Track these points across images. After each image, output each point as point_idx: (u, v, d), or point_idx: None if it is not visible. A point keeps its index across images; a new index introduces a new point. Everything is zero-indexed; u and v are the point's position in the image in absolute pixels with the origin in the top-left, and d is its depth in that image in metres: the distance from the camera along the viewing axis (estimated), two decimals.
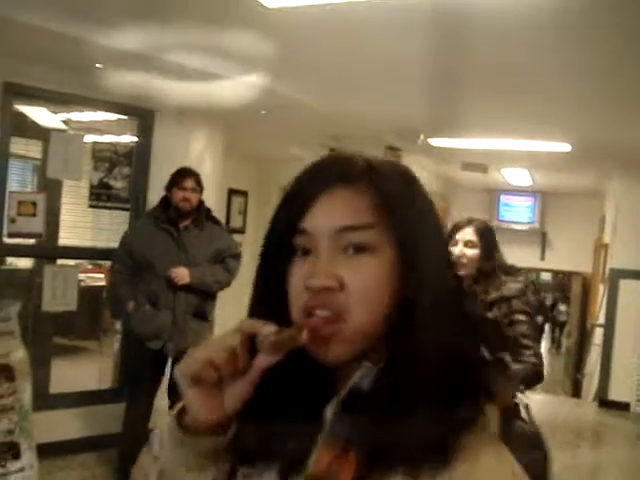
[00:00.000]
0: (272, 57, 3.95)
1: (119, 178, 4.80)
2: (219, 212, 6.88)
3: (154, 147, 4.75)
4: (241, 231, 8.69)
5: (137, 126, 4.75)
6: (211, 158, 5.45)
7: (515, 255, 11.49)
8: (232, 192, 8.34)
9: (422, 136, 6.05)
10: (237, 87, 4.55)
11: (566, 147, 6.18)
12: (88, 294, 5.15)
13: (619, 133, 5.52)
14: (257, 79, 4.44)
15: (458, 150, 7.02)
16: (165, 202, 4.08)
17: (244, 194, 8.68)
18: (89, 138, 4.70)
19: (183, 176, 4.09)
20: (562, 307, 17.76)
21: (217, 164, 5.55)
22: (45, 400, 4.18)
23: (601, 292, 7.94)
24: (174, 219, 4.05)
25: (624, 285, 7.13)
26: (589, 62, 3.55)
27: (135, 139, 4.77)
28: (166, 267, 4.00)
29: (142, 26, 3.51)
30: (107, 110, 4.71)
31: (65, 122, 4.69)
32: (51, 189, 4.42)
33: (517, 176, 8.87)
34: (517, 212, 10.58)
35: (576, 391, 9.75)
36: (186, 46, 3.84)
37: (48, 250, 4.45)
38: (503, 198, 10.63)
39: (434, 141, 6.49)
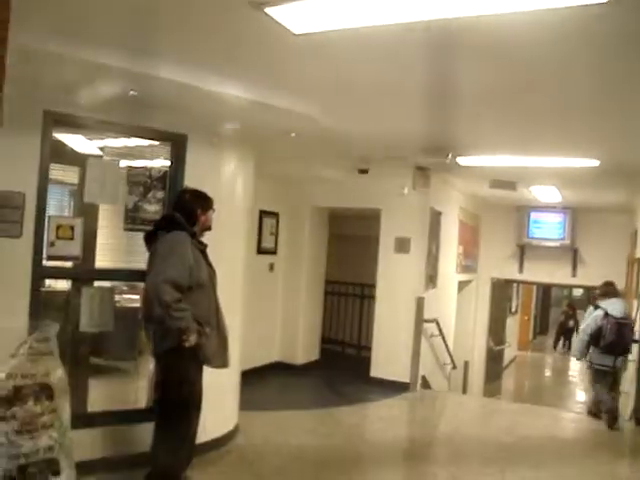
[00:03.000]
0: (302, 81, 4.05)
1: (153, 202, 4.92)
2: (251, 233, 7.00)
3: (187, 170, 4.86)
4: (273, 252, 8.79)
5: (170, 150, 4.86)
6: (242, 180, 5.56)
7: (546, 271, 11.54)
8: (263, 213, 8.45)
9: (450, 155, 6.10)
10: (267, 111, 4.66)
11: (594, 163, 6.17)
12: (123, 315, 5.25)
13: None
14: (286, 103, 4.54)
15: (486, 168, 7.05)
16: (191, 221, 4.19)
17: (275, 215, 8.79)
18: (124, 163, 4.83)
19: (212, 200, 4.33)
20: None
21: (248, 186, 5.66)
22: (83, 419, 4.28)
23: (635, 307, 7.84)
24: (198, 238, 4.19)
25: None
26: (617, 77, 3.57)
27: (168, 163, 4.88)
28: (210, 286, 4.17)
29: (176, 54, 3.64)
30: (141, 136, 4.83)
31: (101, 148, 4.83)
32: (88, 213, 4.55)
33: (546, 193, 8.85)
34: (547, 229, 10.53)
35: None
36: (217, 73, 3.96)
37: (85, 272, 4.56)
38: (533, 215, 10.59)
39: (462, 160, 6.52)
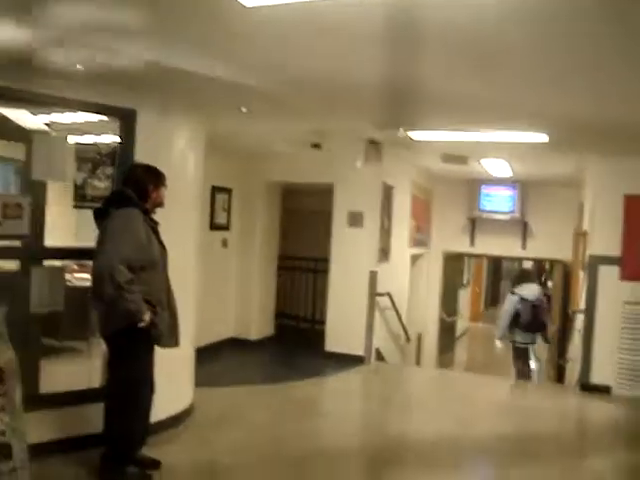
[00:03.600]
0: (252, 55, 4.00)
1: (102, 178, 4.83)
2: (203, 209, 6.94)
3: (137, 146, 4.77)
4: (226, 227, 8.74)
5: (119, 126, 4.76)
6: (194, 155, 5.49)
7: (497, 244, 11.78)
8: (216, 189, 8.38)
9: (402, 129, 6.11)
10: (216, 85, 4.60)
11: (544, 137, 6.27)
12: (75, 294, 5.17)
13: (595, 122, 5.61)
14: (237, 76, 4.48)
15: (438, 143, 7.09)
16: (142, 197, 4.11)
17: (228, 191, 8.72)
18: (72, 139, 4.72)
19: (164, 176, 4.25)
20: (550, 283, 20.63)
21: (200, 161, 5.59)
22: (35, 401, 4.22)
23: (581, 279, 8.06)
24: (150, 215, 4.15)
25: (603, 271, 7.26)
26: (566, 54, 3.61)
27: (117, 139, 4.78)
28: (162, 265, 4.12)
29: (125, 27, 3.54)
30: (89, 111, 4.72)
31: (47, 124, 4.70)
32: (36, 191, 4.43)
33: (497, 167, 8.97)
34: (498, 202, 10.70)
35: (560, 377, 9.88)
36: (166, 45, 3.87)
37: (34, 251, 4.45)
38: (484, 189, 10.73)
39: (414, 134, 6.55)
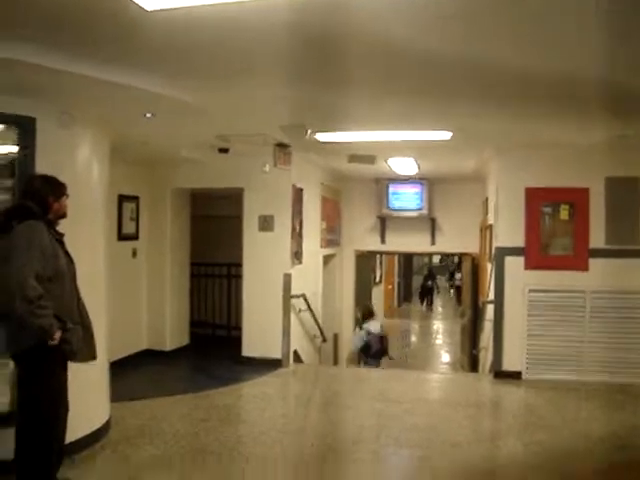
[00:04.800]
0: (156, 60, 3.92)
1: (1, 190, 4.60)
2: (110, 219, 6.75)
3: (37, 156, 4.58)
4: (134, 237, 8.53)
5: (18, 135, 4.55)
6: (98, 164, 5.33)
7: (407, 241, 12.00)
8: (122, 198, 8.17)
9: (309, 131, 6.14)
10: (121, 91, 4.48)
11: (447, 135, 6.44)
12: None
13: (495, 119, 5.82)
14: (141, 83, 4.38)
15: (345, 144, 7.17)
16: (44, 209, 3.96)
17: (135, 199, 8.52)
18: None
19: (65, 186, 4.11)
20: (458, 275, 23.31)
21: (104, 170, 5.43)
22: None
23: (489, 270, 8.34)
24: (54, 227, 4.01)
25: (509, 262, 7.54)
26: (464, 52, 3.72)
27: (16, 148, 4.57)
28: (70, 277, 3.98)
29: (22, 33, 3.40)
30: None
31: None
32: None
33: (404, 165, 9.15)
34: (406, 200, 10.92)
35: (474, 366, 10.18)
36: (68, 53, 3.74)
37: None
38: (391, 187, 10.93)
39: (321, 136, 6.60)
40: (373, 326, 10.07)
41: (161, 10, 2.91)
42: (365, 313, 10.30)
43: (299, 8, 2.95)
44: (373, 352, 9.97)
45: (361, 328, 10.11)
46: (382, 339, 10.15)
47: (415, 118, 5.87)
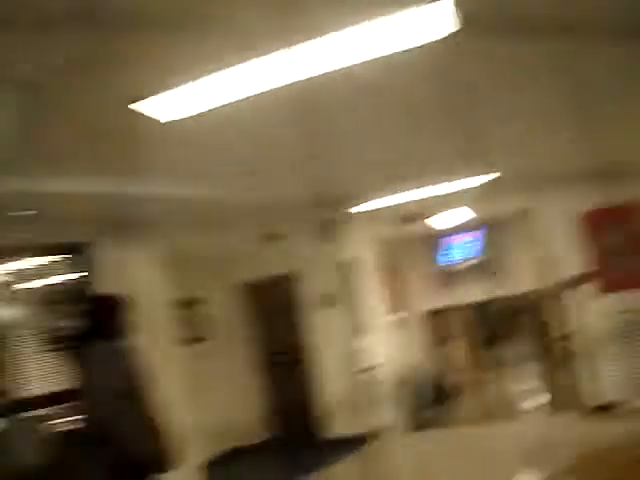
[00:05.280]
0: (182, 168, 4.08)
1: (69, 317, 4.77)
2: (174, 325, 6.82)
3: (97, 278, 4.76)
4: (200, 339, 8.60)
5: (78, 261, 4.76)
6: (157, 276, 5.46)
7: (471, 291, 11.36)
8: (184, 302, 8.29)
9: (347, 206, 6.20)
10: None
11: (493, 176, 6.30)
12: (60, 441, 4.99)
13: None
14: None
15: (394, 206, 7.11)
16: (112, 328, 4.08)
17: (196, 301, 8.63)
18: (29, 284, 4.69)
19: (124, 301, 4.19)
20: None
21: (163, 280, 5.56)
22: None
23: (562, 305, 8.06)
24: None
25: (580, 292, 7.27)
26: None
27: (77, 275, 4.77)
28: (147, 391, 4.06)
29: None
30: (44, 253, 4.71)
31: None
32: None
33: (455, 216, 9.02)
34: (463, 250, 10.75)
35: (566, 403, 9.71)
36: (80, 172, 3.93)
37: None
38: (446, 240, 10.80)
39: (366, 205, 6.62)
40: None
41: (176, 120, 3.05)
42: None
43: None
44: None
45: None
46: None
47: (457, 164, 5.81)
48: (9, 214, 4.09)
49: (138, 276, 5.25)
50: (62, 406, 4.86)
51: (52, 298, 4.70)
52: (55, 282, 4.83)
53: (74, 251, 4.76)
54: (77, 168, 3.70)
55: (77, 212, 4.43)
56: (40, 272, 4.87)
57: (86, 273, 4.76)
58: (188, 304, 8.35)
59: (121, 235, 5.02)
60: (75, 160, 3.55)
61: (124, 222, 5.04)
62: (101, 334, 4.01)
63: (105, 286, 4.64)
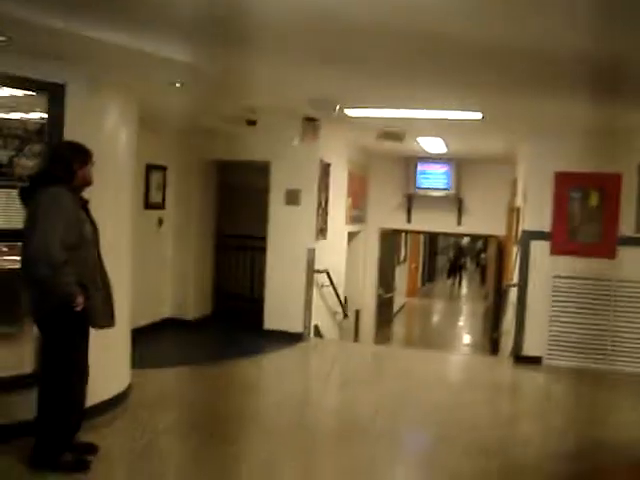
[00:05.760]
0: (185, 29, 3.91)
1: (31, 156, 4.64)
2: (138, 188, 6.79)
3: (67, 122, 4.60)
4: (160, 207, 8.58)
5: (47, 101, 4.58)
6: (126, 132, 5.34)
7: (433, 221, 11.98)
8: (150, 167, 8.20)
9: (338, 106, 6.09)
10: (149, 59, 4.48)
11: (478, 115, 6.36)
12: (4, 277, 4.99)
13: (527, 100, 5.72)
14: (171, 51, 4.37)
15: (374, 120, 7.11)
16: (69, 176, 3.98)
17: (163, 169, 8.55)
18: None
19: (91, 153, 4.10)
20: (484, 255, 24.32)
21: (132, 139, 5.45)
22: None
23: (514, 254, 8.27)
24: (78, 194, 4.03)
25: (535, 246, 7.45)
26: (493, 35, 3.66)
27: (45, 115, 4.60)
28: (94, 243, 4.01)
29: None
30: (14, 86, 4.52)
31: None
32: None
33: (432, 144, 9.07)
34: (433, 179, 10.83)
35: (494, 349, 10.16)
36: (94, 16, 3.74)
37: None
38: (420, 166, 10.85)
39: (350, 112, 6.55)
40: None
41: None
42: None
43: None
44: None
45: None
46: None
47: (446, 98, 5.79)
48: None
49: (107, 130, 5.11)
50: (8, 244, 4.81)
51: (17, 134, 4.54)
52: (23, 118, 4.65)
53: (46, 90, 4.57)
54: (74, 4, 3.50)
55: (51, 50, 4.22)
56: (9, 105, 4.68)
57: (55, 115, 4.58)
58: (153, 169, 8.26)
59: (95, 84, 4.83)
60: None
61: (107, 71, 4.84)
62: (58, 180, 3.92)
63: (72, 133, 4.51)
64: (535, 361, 7.39)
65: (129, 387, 5.55)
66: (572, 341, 7.31)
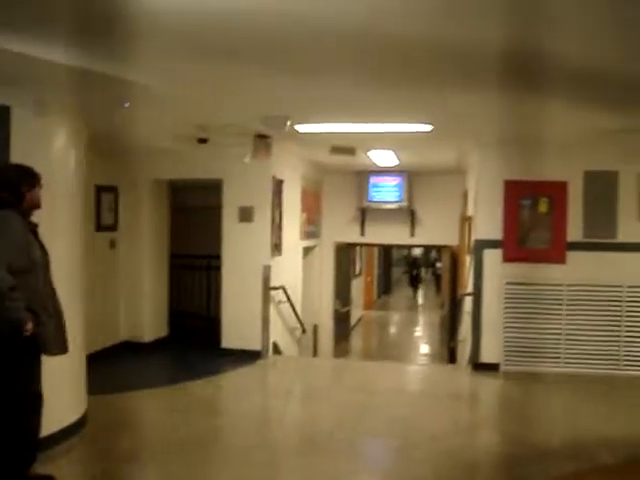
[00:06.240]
0: (134, 47, 3.87)
1: None
2: (88, 210, 6.68)
3: (13, 145, 4.50)
4: (113, 228, 8.46)
5: None
6: (75, 153, 5.26)
7: (387, 233, 12.05)
8: (100, 189, 8.08)
9: (289, 122, 6.11)
10: (94, 79, 4.42)
11: (427, 127, 6.44)
12: None
13: (475, 111, 5.82)
14: (115, 70, 4.33)
15: (326, 135, 7.14)
16: (17, 199, 3.90)
17: (113, 189, 8.44)
18: None
19: (39, 176, 4.04)
20: (439, 264, 25.07)
21: (81, 160, 5.36)
22: None
23: (468, 263, 8.38)
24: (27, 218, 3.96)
25: (487, 254, 7.57)
26: (446, 45, 3.71)
27: None
28: (44, 268, 3.93)
29: None
30: None
31: None
32: None
33: (384, 157, 9.15)
34: (386, 192, 10.93)
35: (452, 358, 10.24)
36: (36, 37, 3.68)
37: None
38: (372, 179, 10.93)
39: (301, 127, 6.57)
40: None
41: None
42: None
43: None
44: None
45: None
46: None
47: (395, 110, 5.86)
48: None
49: (55, 152, 5.02)
50: None
51: None
52: None
53: None
54: (17, 24, 3.43)
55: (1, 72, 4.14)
56: None
57: (0, 138, 4.48)
58: (104, 190, 8.14)
59: (41, 105, 4.75)
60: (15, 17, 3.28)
61: (51, 92, 4.76)
62: (6, 204, 3.84)
63: (19, 155, 4.41)
64: (493, 368, 7.48)
65: (85, 414, 5.42)
66: (527, 346, 7.42)
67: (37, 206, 4.04)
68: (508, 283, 7.46)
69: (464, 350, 8.62)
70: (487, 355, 7.58)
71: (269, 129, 6.64)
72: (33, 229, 3.96)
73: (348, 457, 4.99)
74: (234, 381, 7.36)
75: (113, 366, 7.67)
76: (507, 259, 7.52)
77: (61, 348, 4.05)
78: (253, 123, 6.37)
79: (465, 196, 9.34)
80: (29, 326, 3.71)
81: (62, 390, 4.73)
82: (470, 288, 7.86)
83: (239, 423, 5.75)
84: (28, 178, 3.98)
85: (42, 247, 3.99)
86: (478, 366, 7.60)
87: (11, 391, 3.85)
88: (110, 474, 4.52)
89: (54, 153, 5.02)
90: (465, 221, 9.18)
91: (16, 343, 3.74)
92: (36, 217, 4.06)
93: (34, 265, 3.84)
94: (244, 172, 8.01)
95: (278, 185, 8.57)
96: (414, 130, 6.55)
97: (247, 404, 6.44)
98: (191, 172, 8.47)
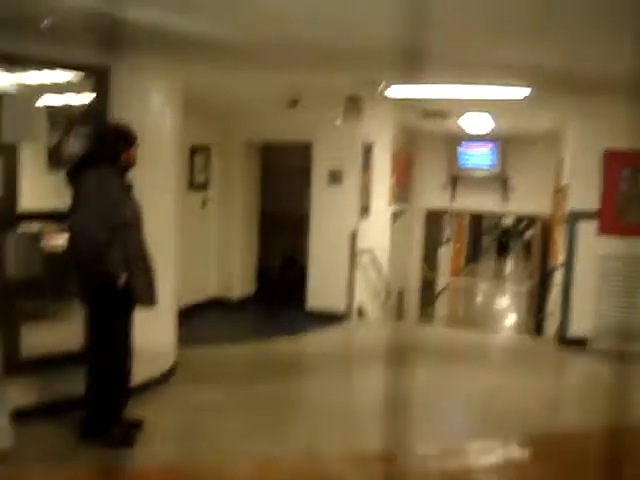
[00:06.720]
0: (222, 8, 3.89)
1: (78, 139, 4.73)
2: (181, 169, 6.86)
3: (112, 104, 4.67)
4: (205, 187, 8.65)
5: (93, 84, 4.64)
6: (171, 114, 5.39)
7: (478, 200, 11.79)
8: (194, 149, 8.26)
9: (382, 85, 6.03)
10: (189, 40, 4.49)
11: (525, 91, 6.22)
12: (53, 257, 5.11)
13: (576, 76, 5.56)
14: (209, 31, 4.38)
15: (418, 98, 7.01)
16: (114, 157, 4.05)
17: (207, 149, 8.61)
18: (43, 100, 4.60)
19: (135, 136, 4.17)
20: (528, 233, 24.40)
21: (177, 120, 5.50)
22: (16, 366, 4.21)
23: (561, 234, 8.11)
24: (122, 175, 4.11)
25: (582, 226, 7.30)
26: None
27: (91, 97, 4.66)
28: (137, 224, 4.08)
29: None
30: (60, 69, 4.59)
31: (17, 84, 4.57)
32: (7, 153, 4.32)
33: (477, 123, 8.93)
34: (478, 158, 10.69)
35: (538, 330, 10.03)
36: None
37: (8, 215, 4.37)
38: (464, 145, 10.71)
39: (394, 89, 6.47)
40: None
41: None
42: None
43: None
44: None
45: None
46: None
47: (493, 72, 5.66)
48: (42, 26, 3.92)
49: (152, 112, 5.17)
50: (57, 225, 4.92)
51: (64, 117, 4.62)
52: (70, 102, 4.73)
53: (91, 72, 4.63)
54: None
55: (95, 33, 4.26)
56: (57, 88, 4.76)
57: (101, 97, 4.65)
58: (197, 150, 8.32)
59: (139, 67, 4.87)
60: None
61: (150, 53, 4.87)
62: (103, 162, 4.00)
63: (117, 115, 4.57)
64: (580, 343, 7.27)
65: (174, 365, 5.66)
66: (620, 322, 7.15)
67: (132, 165, 4.19)
68: (603, 256, 7.18)
69: (552, 323, 8.41)
70: (576, 330, 7.36)
71: (361, 91, 6.56)
72: (128, 186, 4.12)
73: (430, 423, 4.99)
74: (319, 341, 7.47)
75: (202, 320, 7.92)
76: (603, 231, 7.22)
77: (151, 300, 4.22)
78: (345, 85, 6.32)
79: (560, 165, 9.01)
80: (122, 279, 3.89)
81: (154, 340, 4.94)
82: (561, 260, 7.63)
83: (322, 382, 5.85)
84: (125, 137, 4.13)
85: (135, 205, 4.14)
86: (565, 340, 7.40)
87: (105, 340, 4.07)
88: (194, 422, 4.72)
89: (151, 113, 5.17)
90: (559, 191, 8.87)
91: (110, 295, 3.93)
92: (132, 175, 4.21)
93: (127, 222, 4.00)
94: (334, 135, 8.00)
95: (368, 148, 8.52)
96: (510, 95, 6.33)
97: (330, 364, 6.53)
98: (282, 134, 8.53)
